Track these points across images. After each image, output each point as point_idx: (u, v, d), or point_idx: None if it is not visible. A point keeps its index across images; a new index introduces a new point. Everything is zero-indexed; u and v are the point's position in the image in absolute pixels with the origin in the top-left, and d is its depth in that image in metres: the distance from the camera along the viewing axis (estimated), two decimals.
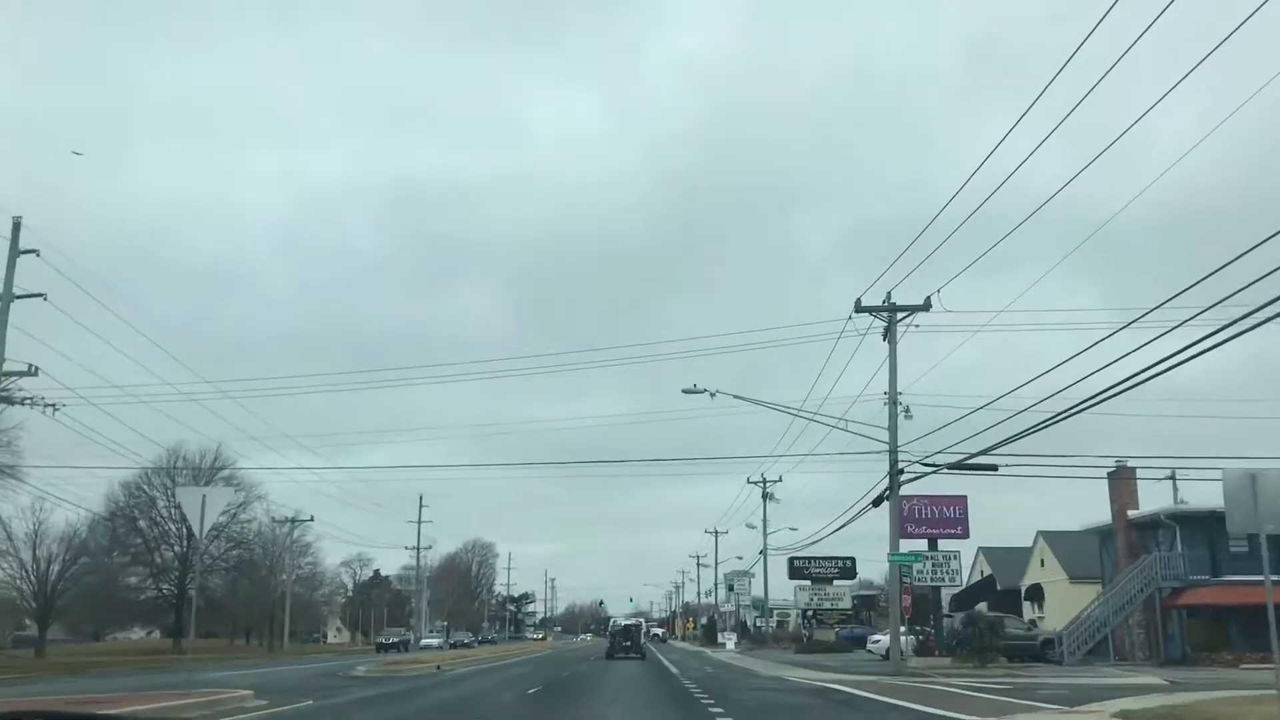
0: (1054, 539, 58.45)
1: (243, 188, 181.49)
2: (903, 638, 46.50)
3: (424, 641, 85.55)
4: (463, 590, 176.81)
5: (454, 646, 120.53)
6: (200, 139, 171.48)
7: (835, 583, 60.30)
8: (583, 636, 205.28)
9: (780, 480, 66.82)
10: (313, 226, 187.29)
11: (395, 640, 74.75)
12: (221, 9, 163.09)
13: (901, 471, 31.23)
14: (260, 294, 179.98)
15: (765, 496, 68.23)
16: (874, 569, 74.94)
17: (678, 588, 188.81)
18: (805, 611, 60.40)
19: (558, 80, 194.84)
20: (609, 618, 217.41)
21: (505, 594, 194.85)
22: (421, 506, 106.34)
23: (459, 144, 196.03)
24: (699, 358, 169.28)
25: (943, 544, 42.89)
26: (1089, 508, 58.03)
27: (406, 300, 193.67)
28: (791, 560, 59.35)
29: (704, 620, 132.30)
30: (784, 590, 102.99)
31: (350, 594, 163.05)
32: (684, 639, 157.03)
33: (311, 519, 77.47)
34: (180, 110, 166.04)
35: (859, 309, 33.01)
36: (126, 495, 76.89)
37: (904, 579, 33.16)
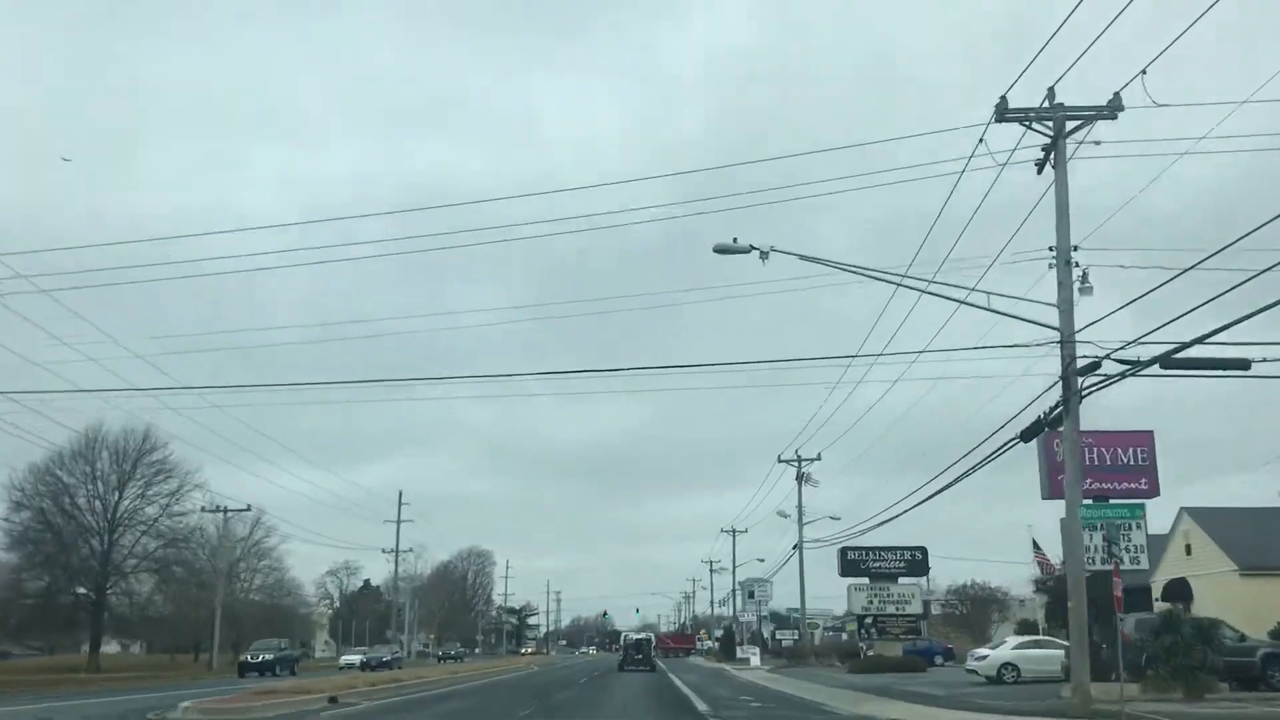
0: (1207, 518, 45.47)
1: (248, 189, 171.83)
2: (1035, 651, 33.59)
3: (344, 659, 71.27)
4: (457, 601, 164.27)
5: (443, 660, 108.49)
6: (206, 139, 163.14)
7: (901, 580, 47.02)
8: (583, 650, 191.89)
9: (818, 459, 54.61)
10: (319, 229, 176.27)
11: (271, 658, 55.55)
12: (228, 6, 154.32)
13: (1095, 366, 17.86)
14: (264, 298, 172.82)
15: (801, 478, 55.72)
16: None
17: (687, 597, 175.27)
18: (863, 618, 46.03)
19: (574, 77, 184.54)
20: (616, 630, 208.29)
21: (502, 604, 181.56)
22: (401, 505, 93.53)
23: (471, 144, 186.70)
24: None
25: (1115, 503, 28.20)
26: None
27: (412, 305, 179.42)
28: (844, 552, 45.12)
29: (718, 632, 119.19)
30: (822, 595, 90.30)
31: (337, 605, 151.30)
32: (694, 653, 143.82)
33: (248, 508, 64.37)
34: (186, 110, 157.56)
35: (1003, 116, 20.05)
36: (35, 482, 64.23)
37: (1112, 551, 20.11)
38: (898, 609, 44.72)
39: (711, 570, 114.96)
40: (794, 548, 54.46)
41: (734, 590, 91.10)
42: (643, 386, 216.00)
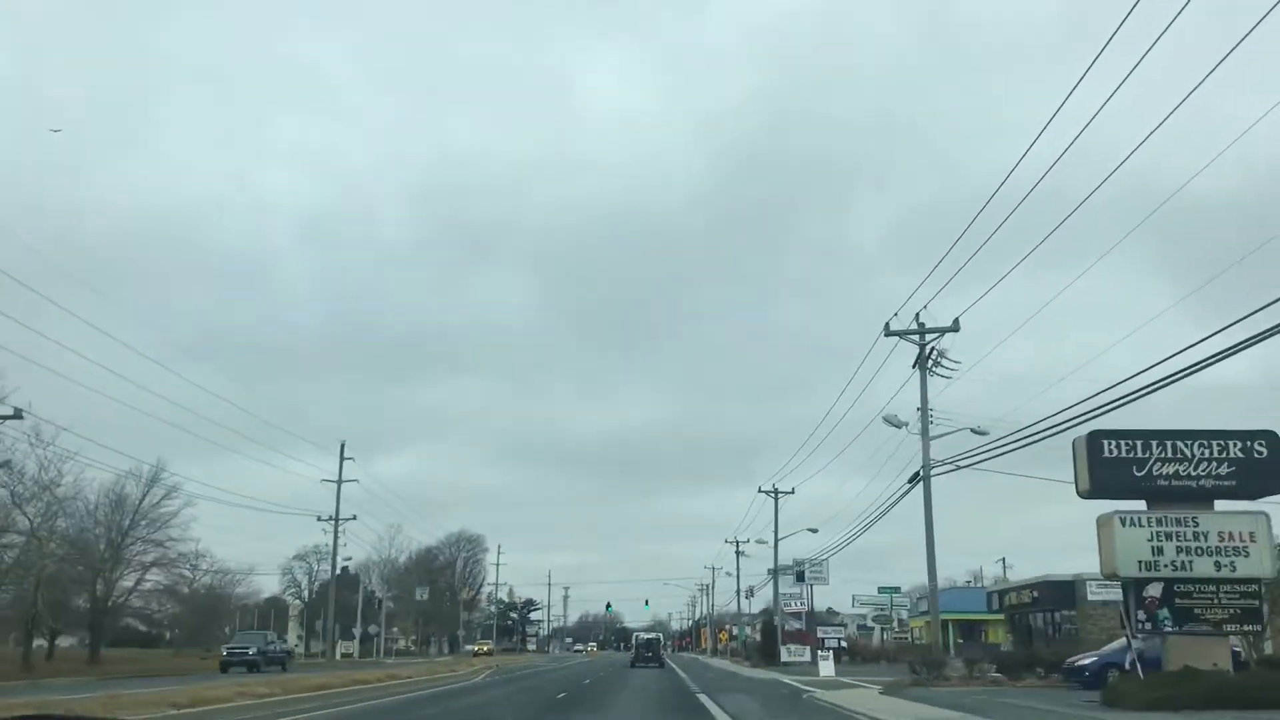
0: None
1: (266, 166, 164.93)
2: None
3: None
4: (444, 592, 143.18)
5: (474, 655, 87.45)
6: (222, 112, 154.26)
7: (1222, 506, 22.64)
8: (583, 647, 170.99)
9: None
10: (341, 209, 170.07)
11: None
12: None
13: None
14: (283, 282, 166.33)
15: (926, 355, 34.61)
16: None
17: (703, 589, 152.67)
18: (1142, 584, 22.17)
19: (610, 46, 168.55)
20: (624, 627, 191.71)
21: (493, 594, 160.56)
22: (343, 459, 72.67)
23: (500, 118, 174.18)
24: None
25: None
26: None
27: (434, 290, 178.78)
28: (1096, 444, 20.26)
29: (750, 629, 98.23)
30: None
31: (311, 594, 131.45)
32: (716, 654, 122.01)
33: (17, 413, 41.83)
34: (201, 81, 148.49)
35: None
36: None
37: None
38: (1223, 566, 20.56)
39: (738, 551, 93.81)
40: (913, 479, 32.85)
41: (774, 570, 69.33)
42: (663, 376, 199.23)
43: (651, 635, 77.16)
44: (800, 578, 65.15)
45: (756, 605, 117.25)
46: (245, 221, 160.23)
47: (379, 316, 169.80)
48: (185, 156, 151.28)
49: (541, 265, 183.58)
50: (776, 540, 67.13)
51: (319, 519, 71.94)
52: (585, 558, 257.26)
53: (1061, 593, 45.67)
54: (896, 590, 43.71)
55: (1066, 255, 32.44)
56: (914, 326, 33.11)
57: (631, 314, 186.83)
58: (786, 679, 41.81)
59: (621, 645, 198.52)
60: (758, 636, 77.18)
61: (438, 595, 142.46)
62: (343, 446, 72.25)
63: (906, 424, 32.86)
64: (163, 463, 64.15)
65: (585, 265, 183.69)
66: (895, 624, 66.68)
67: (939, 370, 32.93)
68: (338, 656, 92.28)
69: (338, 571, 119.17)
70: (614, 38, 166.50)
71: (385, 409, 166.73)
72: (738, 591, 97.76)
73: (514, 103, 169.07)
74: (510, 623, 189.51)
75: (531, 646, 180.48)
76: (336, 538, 71.49)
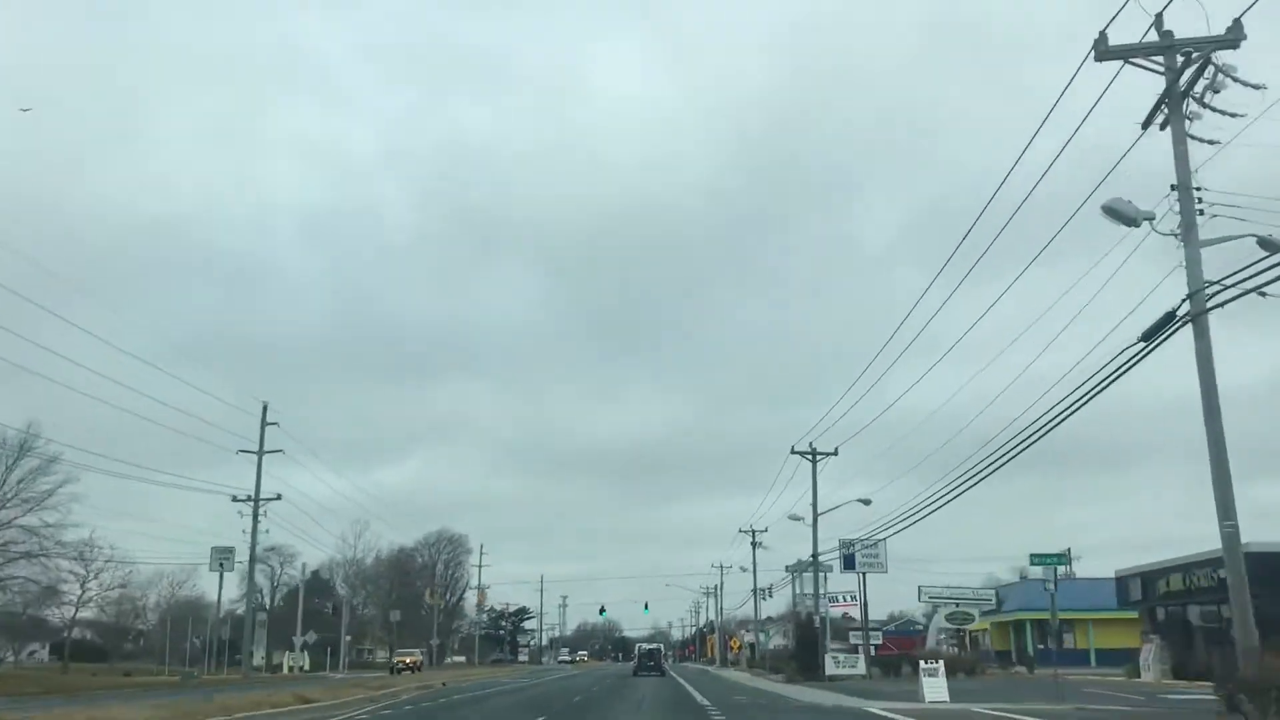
0: None
1: (267, 157, 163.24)
2: None
3: None
4: (418, 597, 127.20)
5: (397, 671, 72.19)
6: (222, 100, 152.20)
7: None
8: (568, 657, 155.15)
9: None
10: (344, 202, 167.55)
11: None
12: None
13: None
14: (284, 278, 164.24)
15: None
16: None
17: (709, 593, 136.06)
18: None
19: (623, 37, 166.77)
20: (623, 636, 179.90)
21: (481, 601, 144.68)
22: (265, 425, 57.65)
23: (508, 108, 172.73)
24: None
25: None
26: None
27: (437, 287, 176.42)
28: None
29: (782, 633, 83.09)
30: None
31: (275, 600, 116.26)
32: (726, 664, 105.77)
33: None
34: (199, 69, 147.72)
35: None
36: None
37: None
38: None
39: (754, 541, 79.18)
40: (1161, 325, 17.00)
41: (813, 543, 53.09)
42: (670, 379, 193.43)
43: (653, 646, 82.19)
44: (849, 563, 49.31)
45: (774, 608, 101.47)
46: (244, 216, 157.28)
47: (380, 315, 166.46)
48: (181, 149, 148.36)
49: (548, 263, 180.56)
50: (815, 503, 51.13)
51: (234, 498, 56.12)
52: (584, 566, 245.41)
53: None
54: (1058, 559, 27.81)
55: None
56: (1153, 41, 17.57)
57: (639, 314, 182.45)
58: (875, 708, 26.34)
59: (620, 655, 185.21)
60: (787, 642, 61.66)
61: (413, 601, 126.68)
62: (265, 409, 56.75)
63: (1151, 217, 16.94)
64: (36, 427, 49.84)
65: (593, 263, 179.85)
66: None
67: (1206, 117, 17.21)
68: (287, 667, 76.74)
69: (274, 565, 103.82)
70: (627, 29, 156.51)
71: (382, 411, 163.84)
72: (754, 590, 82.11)
73: (524, 94, 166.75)
74: (502, 632, 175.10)
75: (524, 657, 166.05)
76: (256, 520, 55.75)
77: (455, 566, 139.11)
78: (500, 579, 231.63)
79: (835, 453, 48.62)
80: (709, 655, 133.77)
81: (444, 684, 46.80)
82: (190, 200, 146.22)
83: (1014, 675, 47.47)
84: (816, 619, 50.08)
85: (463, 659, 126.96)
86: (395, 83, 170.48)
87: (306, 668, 79.91)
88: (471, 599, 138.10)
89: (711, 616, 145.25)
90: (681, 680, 53.62)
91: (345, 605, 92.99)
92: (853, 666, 45.77)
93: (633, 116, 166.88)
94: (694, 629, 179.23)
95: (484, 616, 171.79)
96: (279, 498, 56.60)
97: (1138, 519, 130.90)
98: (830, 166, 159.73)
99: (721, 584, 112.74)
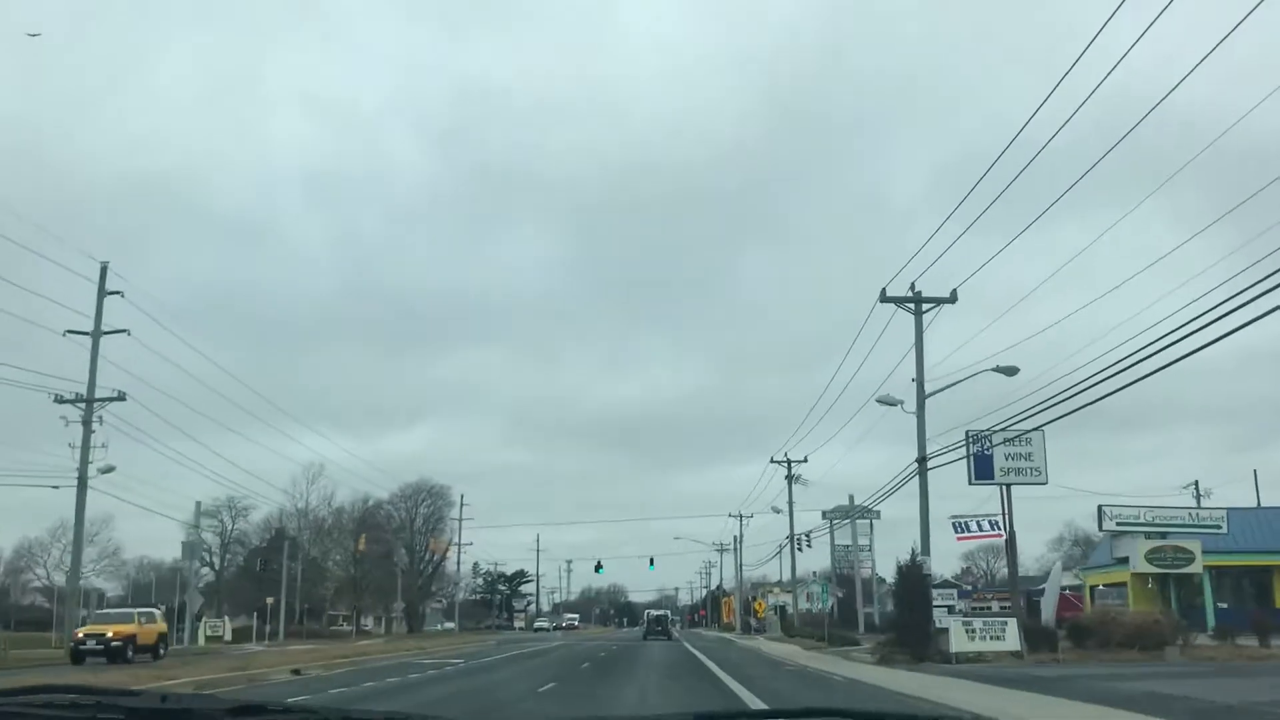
0: None
1: (271, 106, 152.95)
2: None
3: None
4: (390, 555, 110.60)
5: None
6: (221, 49, 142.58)
7: None
8: (545, 624, 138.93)
9: None
10: (352, 155, 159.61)
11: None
12: None
13: None
14: (288, 240, 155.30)
15: None
16: None
17: (722, 551, 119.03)
18: None
19: None
20: (629, 602, 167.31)
21: (471, 561, 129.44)
22: (103, 291, 40.10)
23: (528, 55, 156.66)
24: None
25: None
26: None
27: (448, 247, 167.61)
28: None
29: (808, 594, 66.10)
30: None
31: (222, 562, 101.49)
32: (750, 631, 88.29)
33: None
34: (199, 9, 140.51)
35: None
36: None
37: None
38: None
39: (789, 473, 62.61)
40: None
41: (919, 459, 34.53)
42: (691, 343, 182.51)
43: (661, 612, 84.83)
44: (982, 469, 31.08)
45: (814, 562, 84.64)
46: (245, 171, 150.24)
47: (389, 276, 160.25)
48: (180, 99, 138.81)
49: (565, 220, 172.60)
50: (921, 363, 33.26)
51: (59, 399, 38.65)
52: (590, 533, 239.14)
53: None
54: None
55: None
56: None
57: (659, 273, 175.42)
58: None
59: (624, 621, 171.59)
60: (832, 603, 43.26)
61: (385, 560, 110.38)
62: (104, 269, 39.17)
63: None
64: None
65: (611, 221, 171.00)
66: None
67: None
68: (203, 638, 60.12)
69: (224, 519, 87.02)
70: None
71: (389, 377, 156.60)
72: (790, 536, 65.18)
73: (542, 34, 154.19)
74: (499, 596, 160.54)
75: (520, 624, 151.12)
76: (88, 427, 38.29)
77: (436, 522, 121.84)
78: (506, 550, 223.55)
79: (953, 298, 31.31)
80: (726, 620, 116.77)
81: (323, 661, 29.16)
82: (187, 155, 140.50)
83: (1240, 651, 30.34)
84: (926, 564, 32.01)
85: (453, 626, 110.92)
86: (401, 22, 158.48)
87: (228, 639, 63.57)
88: (458, 560, 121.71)
89: (724, 578, 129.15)
90: (704, 658, 36.78)
91: (285, 565, 76.20)
92: (997, 638, 28.74)
93: (658, 58, 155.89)
94: (705, 590, 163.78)
95: (479, 580, 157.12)
96: (122, 396, 39.13)
97: None
98: (859, 118, 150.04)
99: (741, 535, 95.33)
